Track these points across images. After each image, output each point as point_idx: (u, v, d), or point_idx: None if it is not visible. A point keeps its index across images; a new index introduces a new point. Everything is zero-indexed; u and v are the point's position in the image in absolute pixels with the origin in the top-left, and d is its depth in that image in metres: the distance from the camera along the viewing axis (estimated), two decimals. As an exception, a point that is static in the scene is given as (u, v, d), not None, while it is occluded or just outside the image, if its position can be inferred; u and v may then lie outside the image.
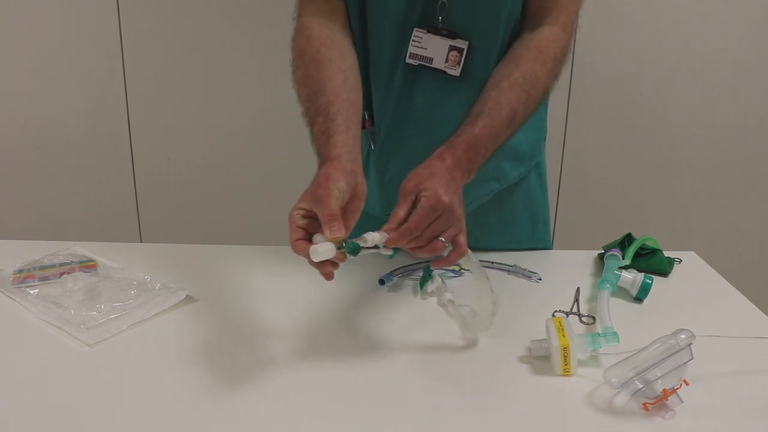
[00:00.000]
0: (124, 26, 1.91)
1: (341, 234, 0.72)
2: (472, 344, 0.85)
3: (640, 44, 1.88)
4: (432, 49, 0.96)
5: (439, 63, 0.97)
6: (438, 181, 0.78)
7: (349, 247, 0.73)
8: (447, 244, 0.77)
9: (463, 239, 0.78)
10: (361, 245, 0.74)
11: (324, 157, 0.82)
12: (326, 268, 0.75)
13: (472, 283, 0.84)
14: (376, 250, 0.78)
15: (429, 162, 0.82)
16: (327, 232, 0.71)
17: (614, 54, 1.88)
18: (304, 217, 0.76)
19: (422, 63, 0.97)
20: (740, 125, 1.95)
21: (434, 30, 0.96)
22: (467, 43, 0.96)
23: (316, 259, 0.71)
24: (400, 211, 0.77)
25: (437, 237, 0.77)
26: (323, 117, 0.85)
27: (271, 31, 1.86)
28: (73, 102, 1.98)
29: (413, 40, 0.97)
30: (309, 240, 0.74)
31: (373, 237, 0.75)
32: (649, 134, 1.97)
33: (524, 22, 0.98)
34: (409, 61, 0.97)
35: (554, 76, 0.94)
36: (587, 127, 1.96)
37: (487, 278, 0.83)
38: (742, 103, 1.93)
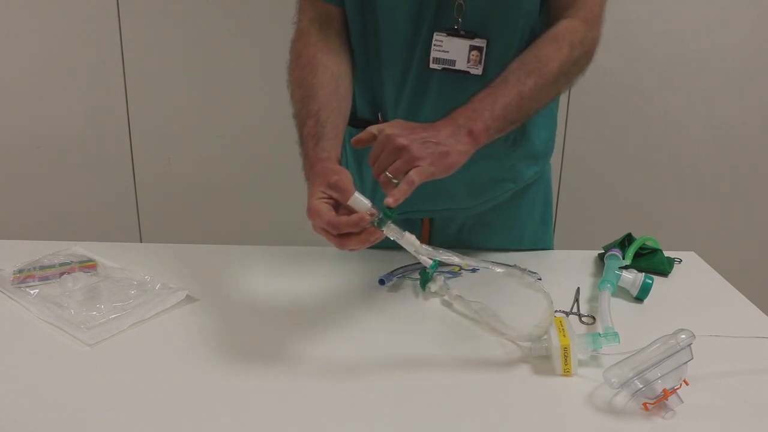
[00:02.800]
0: (124, 26, 1.91)
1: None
2: (473, 345, 0.85)
3: (641, 44, 1.88)
4: (453, 51, 0.96)
5: (461, 64, 0.97)
6: (396, 124, 0.84)
7: (383, 210, 0.77)
8: (394, 180, 0.80)
9: (415, 176, 0.79)
10: (393, 237, 0.78)
11: (313, 159, 0.85)
12: (354, 238, 0.77)
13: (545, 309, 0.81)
14: (413, 253, 0.80)
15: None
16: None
17: (615, 54, 1.88)
18: (327, 202, 0.79)
19: (446, 66, 0.97)
20: (741, 125, 1.95)
21: (453, 32, 0.96)
22: (485, 41, 0.96)
23: (353, 204, 0.77)
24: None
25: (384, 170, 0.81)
26: (314, 121, 0.89)
27: (272, 31, 1.86)
28: (73, 102, 1.97)
29: (435, 45, 0.96)
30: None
31: (413, 241, 0.79)
32: (649, 134, 1.97)
33: (548, 20, 0.99)
34: (433, 66, 0.97)
35: (572, 61, 0.92)
36: (587, 127, 1.96)
37: (550, 301, 0.80)
38: (742, 103, 1.93)
